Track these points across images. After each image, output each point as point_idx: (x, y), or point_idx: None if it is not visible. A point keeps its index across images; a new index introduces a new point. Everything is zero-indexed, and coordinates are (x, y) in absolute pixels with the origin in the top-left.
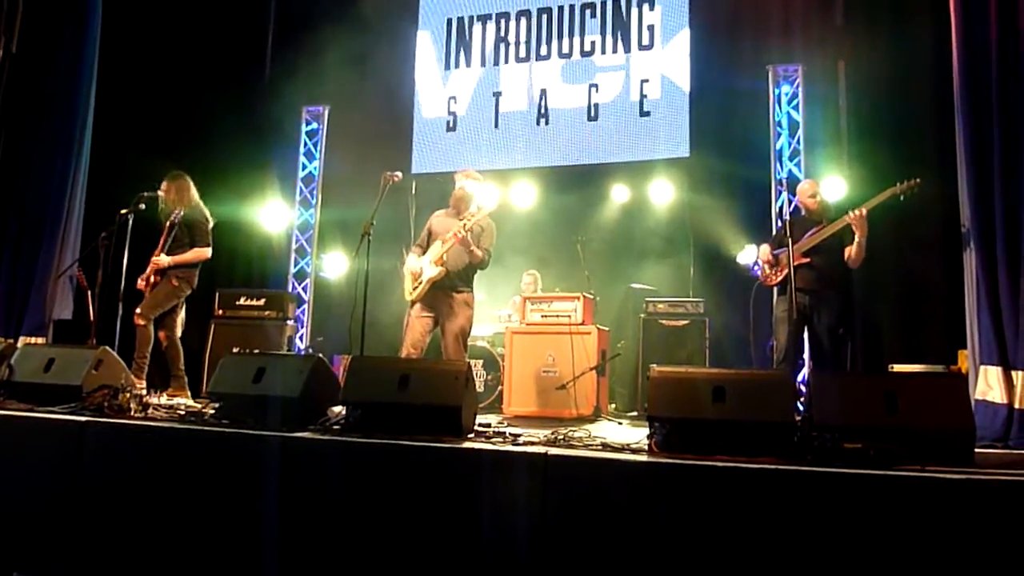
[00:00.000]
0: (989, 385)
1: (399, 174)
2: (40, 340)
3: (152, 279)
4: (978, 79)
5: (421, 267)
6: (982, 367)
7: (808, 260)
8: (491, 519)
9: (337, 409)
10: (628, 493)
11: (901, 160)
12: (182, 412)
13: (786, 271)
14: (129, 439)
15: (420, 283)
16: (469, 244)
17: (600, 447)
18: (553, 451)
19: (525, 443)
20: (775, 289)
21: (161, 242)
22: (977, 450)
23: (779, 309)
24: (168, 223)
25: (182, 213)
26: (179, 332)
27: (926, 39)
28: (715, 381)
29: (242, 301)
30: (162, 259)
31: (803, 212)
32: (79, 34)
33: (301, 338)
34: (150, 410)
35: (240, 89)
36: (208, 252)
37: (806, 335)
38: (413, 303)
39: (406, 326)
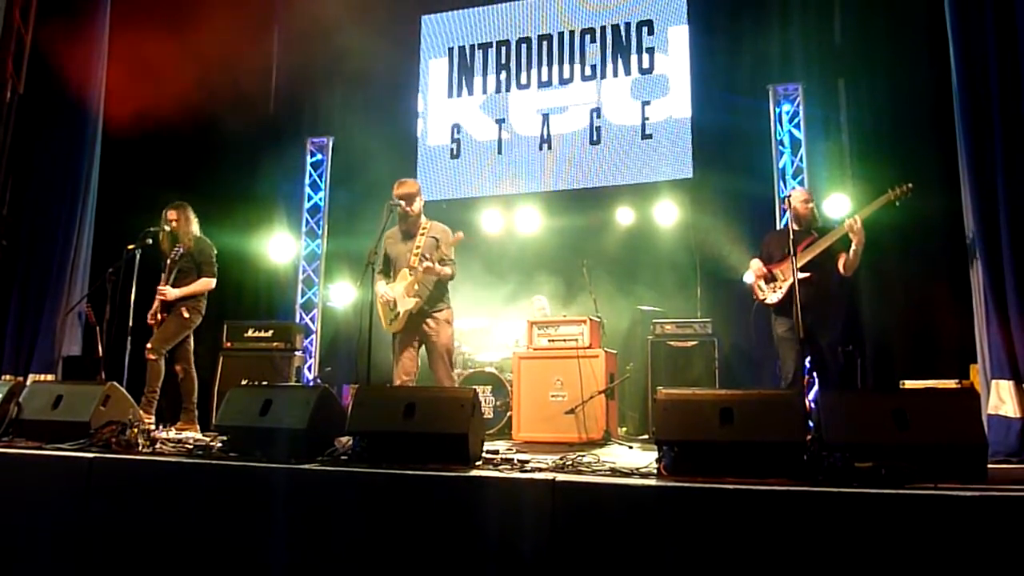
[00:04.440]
0: (1001, 399)
1: (402, 203)
2: (50, 377)
3: (160, 315)
4: (978, 93)
5: (395, 297)
6: (993, 381)
7: (808, 276)
8: (500, 547)
9: (344, 439)
10: (637, 518)
11: (904, 176)
12: (190, 446)
13: (782, 289)
14: (136, 474)
15: (397, 314)
16: (433, 271)
17: (608, 472)
18: (561, 477)
19: (533, 469)
20: (773, 308)
21: (165, 275)
22: (990, 466)
23: (780, 329)
24: (173, 256)
25: (187, 246)
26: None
27: (925, 54)
28: (722, 402)
29: (250, 333)
30: (169, 291)
31: (792, 223)
32: (85, 71)
33: (310, 368)
34: (158, 445)
35: (245, 122)
36: (213, 282)
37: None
38: (395, 334)
39: (394, 357)
